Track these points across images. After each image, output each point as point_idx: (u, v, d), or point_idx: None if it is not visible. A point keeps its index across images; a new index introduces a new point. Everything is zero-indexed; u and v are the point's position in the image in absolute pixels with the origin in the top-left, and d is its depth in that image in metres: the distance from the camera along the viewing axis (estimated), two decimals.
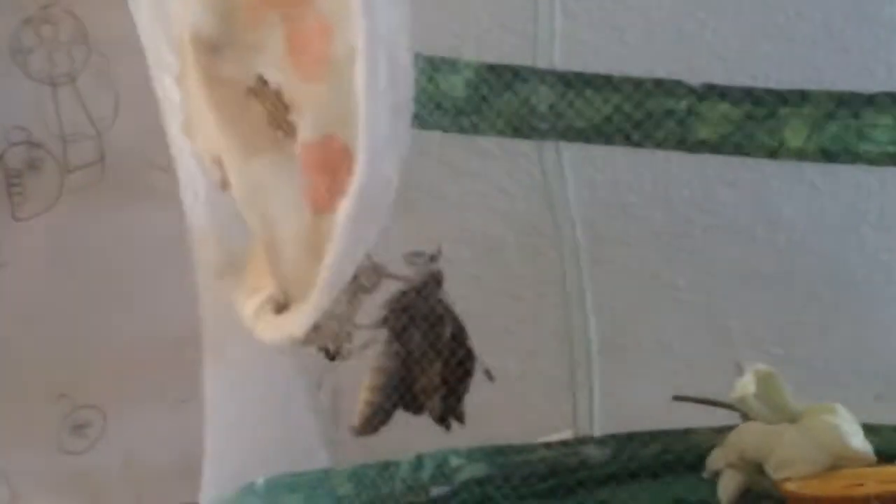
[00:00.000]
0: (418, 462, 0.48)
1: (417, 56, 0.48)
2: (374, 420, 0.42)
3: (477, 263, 0.58)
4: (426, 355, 0.42)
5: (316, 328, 0.37)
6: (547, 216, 0.52)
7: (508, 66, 0.49)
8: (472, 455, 0.48)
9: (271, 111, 0.36)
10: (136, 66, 0.53)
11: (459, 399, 0.43)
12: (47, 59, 0.59)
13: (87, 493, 0.55)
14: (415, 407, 0.42)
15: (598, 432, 0.52)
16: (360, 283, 0.39)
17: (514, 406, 0.55)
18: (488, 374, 0.42)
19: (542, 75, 0.49)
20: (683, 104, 0.48)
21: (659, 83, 0.48)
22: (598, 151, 0.54)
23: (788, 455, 0.40)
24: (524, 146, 0.54)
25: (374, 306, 0.42)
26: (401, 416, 0.46)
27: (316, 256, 0.34)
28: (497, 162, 0.57)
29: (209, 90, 0.37)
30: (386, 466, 0.48)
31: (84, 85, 0.60)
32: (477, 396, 0.48)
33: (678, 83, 0.47)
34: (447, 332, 0.43)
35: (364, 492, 0.47)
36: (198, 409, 0.50)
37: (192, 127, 0.40)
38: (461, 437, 0.50)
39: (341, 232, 0.32)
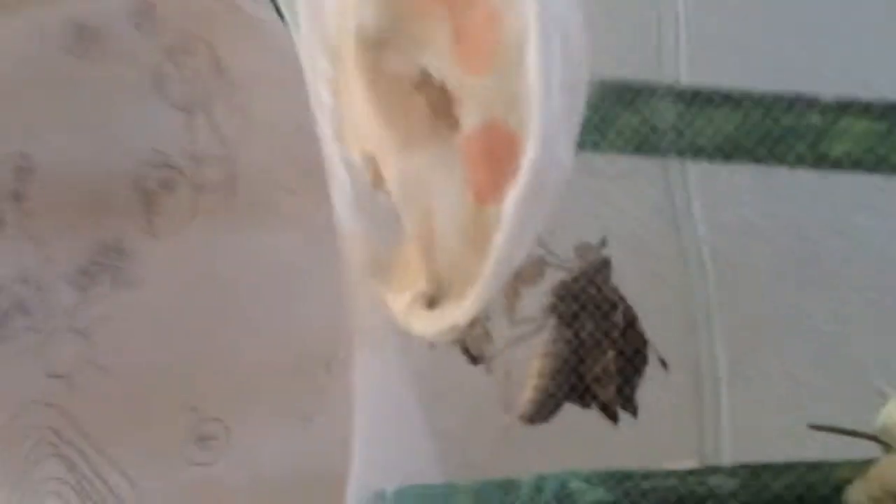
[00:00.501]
0: (539, 483, 0.47)
1: None
2: (545, 407, 0.41)
3: None
4: (599, 343, 0.41)
5: (472, 321, 0.37)
6: (667, 239, 0.51)
7: (629, 82, 0.48)
8: (592, 479, 0.47)
9: (434, 105, 0.37)
10: (265, 93, 0.55)
11: (633, 388, 0.41)
12: (185, 86, 0.62)
13: (213, 502, 0.56)
14: (585, 397, 0.41)
15: (723, 462, 0.50)
16: (521, 276, 0.39)
17: (637, 433, 0.53)
18: (663, 363, 0.41)
19: (664, 92, 0.48)
20: (815, 120, 0.46)
21: (786, 98, 0.46)
22: (723, 172, 0.52)
23: None
24: (643, 166, 0.53)
25: (532, 299, 0.42)
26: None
27: (478, 248, 0.34)
28: (615, 183, 0.56)
29: (371, 87, 0.38)
30: (507, 484, 0.47)
31: (217, 111, 0.62)
32: (600, 425, 0.47)
33: (807, 98, 0.46)
34: (620, 318, 0.41)
35: None
36: (321, 427, 0.50)
37: (343, 129, 0.40)
38: (581, 461, 0.49)
39: (511, 217, 0.32)
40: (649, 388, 0.54)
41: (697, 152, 0.47)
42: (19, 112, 0.61)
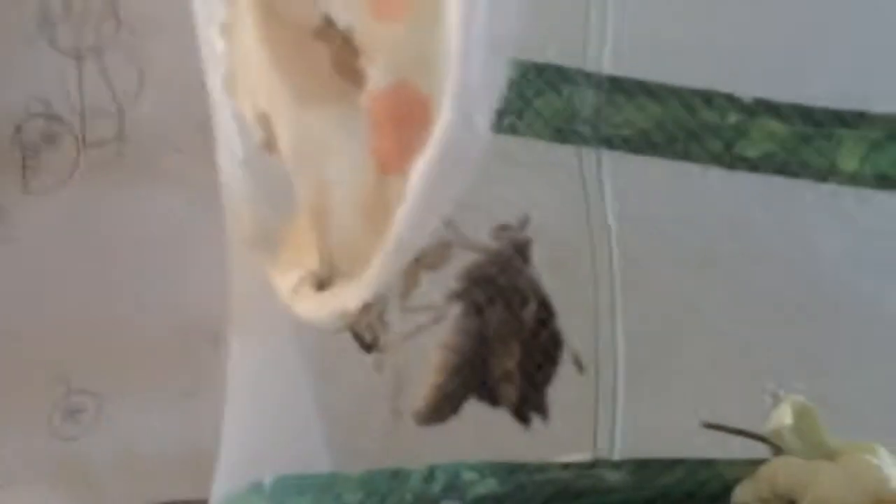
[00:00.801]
0: (430, 473, 0.46)
1: None
2: (444, 406, 0.36)
3: None
4: (506, 336, 0.36)
5: (365, 307, 0.33)
6: (579, 232, 0.49)
7: (553, 66, 0.47)
8: (485, 470, 0.45)
9: (337, 56, 0.32)
10: (163, 44, 0.51)
11: (539, 389, 0.37)
12: (75, 30, 0.57)
13: (80, 480, 0.52)
14: (490, 396, 0.38)
15: (618, 456, 0.49)
16: (423, 259, 0.35)
17: (533, 424, 0.52)
18: (577, 364, 0.37)
19: (588, 77, 0.46)
20: (732, 118, 0.45)
21: (707, 95, 0.45)
22: (633, 164, 0.51)
23: (826, 493, 0.37)
24: (560, 155, 0.51)
25: (439, 280, 0.38)
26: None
27: (376, 224, 0.29)
28: (531, 172, 0.54)
29: (266, 33, 0.33)
30: (396, 475, 0.45)
31: (110, 60, 0.57)
32: (495, 414, 0.45)
33: (728, 96, 0.45)
34: (531, 311, 0.37)
35: (372, 499, 0.44)
36: (201, 405, 0.47)
37: (235, 81, 0.36)
38: (475, 452, 0.47)
39: (417, 189, 0.27)
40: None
41: (614, 143, 0.46)
42: None
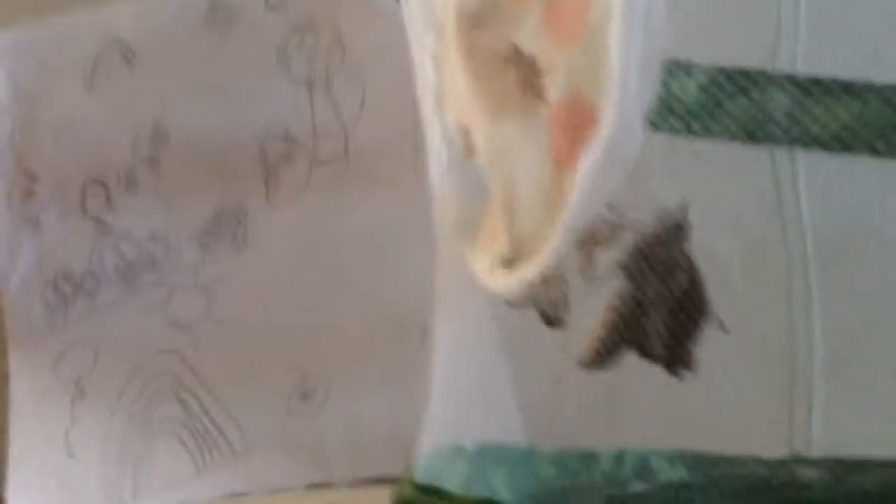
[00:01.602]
0: (619, 457, 0.44)
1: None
2: (602, 356, 0.40)
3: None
4: (656, 301, 0.38)
5: (545, 282, 0.36)
6: (775, 230, 0.47)
7: (743, 70, 0.44)
8: (674, 458, 0.43)
9: (523, 77, 0.36)
10: (380, 71, 0.53)
11: (685, 346, 0.39)
12: (307, 63, 0.60)
13: (310, 453, 0.55)
14: (644, 351, 0.40)
15: (814, 454, 0.46)
16: (595, 237, 0.38)
17: (731, 419, 0.49)
18: (721, 326, 0.39)
19: (779, 80, 0.44)
20: None
21: None
22: (842, 164, 0.47)
23: None
24: (755, 155, 0.48)
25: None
26: None
27: (554, 212, 0.34)
28: (725, 171, 0.52)
29: (468, 61, 0.38)
30: (588, 455, 0.44)
31: (336, 87, 0.60)
32: (694, 405, 0.43)
33: None
34: (681, 281, 0.39)
35: (565, 477, 0.44)
36: (415, 394, 0.48)
37: (443, 102, 0.40)
38: (666, 440, 0.45)
39: (584, 182, 0.31)
40: (746, 377, 0.50)
41: (811, 142, 0.43)
42: (159, 82, 0.60)
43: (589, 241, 0.38)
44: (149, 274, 0.56)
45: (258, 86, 0.58)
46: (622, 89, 0.32)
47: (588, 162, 0.32)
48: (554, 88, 0.35)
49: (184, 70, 0.58)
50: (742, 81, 0.44)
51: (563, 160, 0.35)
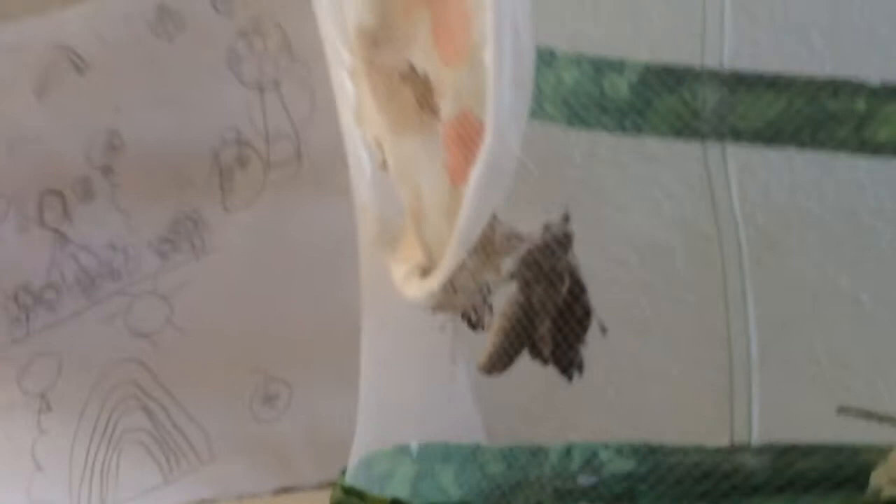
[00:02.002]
0: (567, 451, 0.45)
1: (581, 58, 0.44)
2: (499, 361, 0.42)
3: (643, 267, 0.54)
4: (544, 307, 0.40)
5: (455, 289, 0.37)
6: (709, 223, 0.48)
7: (671, 67, 0.45)
8: (622, 450, 0.45)
9: (419, 95, 0.38)
10: (329, 72, 0.53)
11: (572, 348, 0.42)
12: (257, 67, 0.60)
13: (275, 457, 0.56)
14: (535, 354, 0.42)
15: (755, 441, 0.47)
16: (494, 247, 0.39)
17: (672, 409, 0.50)
18: (602, 329, 0.42)
19: (706, 76, 0.44)
20: (860, 105, 0.42)
21: (831, 83, 0.42)
22: (775, 156, 0.48)
23: None
24: (694, 150, 0.49)
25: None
26: None
27: (453, 224, 0.35)
28: (666, 165, 0.52)
29: (369, 78, 0.39)
30: (537, 450, 0.45)
31: (286, 90, 0.61)
32: (636, 397, 0.45)
33: (852, 83, 0.41)
34: (565, 288, 0.41)
35: (513, 472, 0.45)
36: None
37: (361, 115, 0.41)
38: (614, 433, 0.46)
39: (470, 195, 0.33)
40: (686, 366, 0.51)
41: (739, 136, 0.44)
42: (110, 91, 0.60)
43: (489, 250, 0.39)
44: (109, 283, 0.56)
45: (209, 91, 0.58)
46: (497, 107, 0.33)
47: (472, 176, 0.34)
48: (445, 107, 0.37)
49: (135, 77, 0.58)
50: (671, 79, 0.45)
51: (456, 175, 0.36)
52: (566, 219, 0.40)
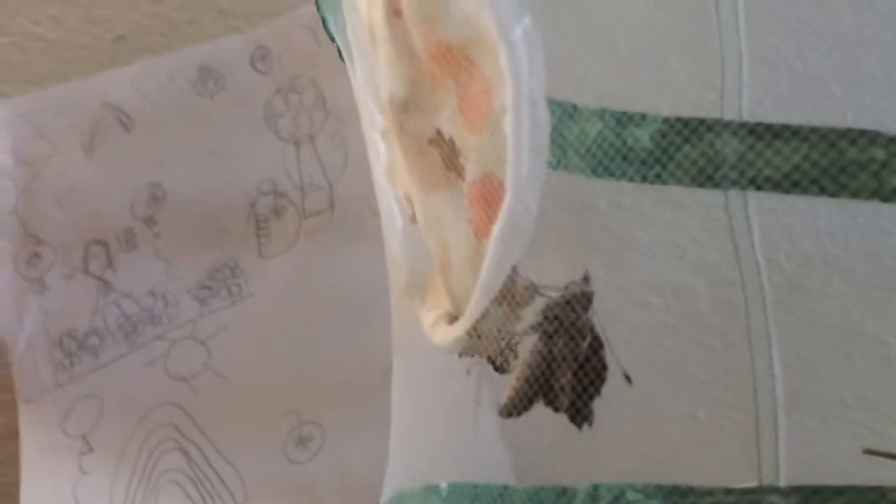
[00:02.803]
0: (594, 491, 0.46)
1: (604, 111, 0.46)
2: (518, 405, 0.43)
3: (668, 312, 0.55)
4: (565, 359, 0.42)
5: (480, 336, 0.39)
6: (732, 269, 0.49)
7: (694, 118, 0.46)
8: (649, 491, 0.45)
9: (446, 157, 0.40)
10: (362, 129, 0.56)
11: (586, 402, 0.43)
12: (293, 122, 0.63)
13: (307, 498, 0.57)
14: (551, 403, 0.44)
15: (783, 483, 0.47)
16: (515, 298, 0.41)
17: (699, 452, 0.51)
18: (627, 378, 0.43)
19: (729, 126, 0.46)
20: (880, 153, 0.43)
21: (849, 132, 0.43)
22: (797, 201, 0.49)
23: None
24: (716, 196, 0.50)
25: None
26: None
27: (477, 276, 0.38)
28: (689, 212, 0.54)
29: (400, 141, 0.42)
30: (563, 492, 0.45)
31: (321, 144, 0.63)
32: (662, 440, 0.45)
33: (871, 133, 0.43)
34: (585, 343, 0.43)
35: None
36: None
37: (393, 172, 0.43)
38: (642, 475, 0.47)
39: (492, 249, 0.35)
40: (712, 410, 0.52)
41: (763, 183, 0.45)
42: (154, 146, 0.63)
43: (511, 300, 0.41)
44: (149, 329, 0.59)
45: (247, 145, 0.60)
46: (516, 170, 0.36)
47: (494, 233, 0.36)
48: (470, 168, 0.39)
49: (177, 133, 0.61)
50: (690, 130, 0.47)
51: (480, 230, 0.39)
52: (586, 279, 0.42)
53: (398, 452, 0.46)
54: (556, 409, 0.45)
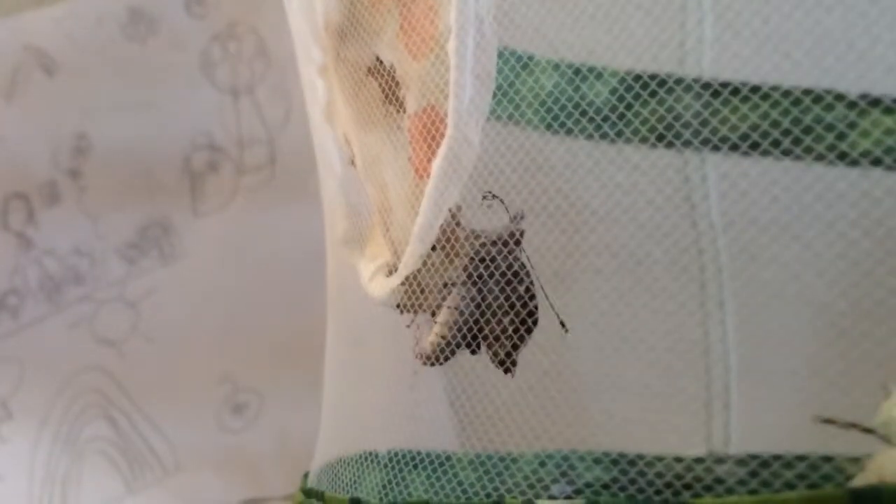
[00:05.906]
0: (541, 459, 0.45)
1: (561, 63, 0.45)
2: (443, 352, 0.41)
3: (622, 276, 0.54)
4: (501, 306, 0.40)
5: (422, 290, 0.37)
6: (688, 232, 0.48)
7: (652, 74, 0.45)
8: (597, 459, 0.45)
9: (385, 88, 0.37)
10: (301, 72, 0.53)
11: (516, 349, 0.42)
12: (231, 71, 0.60)
13: (243, 468, 0.55)
14: (475, 348, 0.43)
15: (732, 451, 0.47)
16: (456, 249, 0.39)
17: (649, 420, 0.50)
18: (563, 325, 0.41)
19: (687, 84, 0.45)
20: (841, 115, 0.42)
21: (810, 93, 0.42)
22: (755, 166, 0.49)
23: None
24: (674, 159, 0.50)
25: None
26: None
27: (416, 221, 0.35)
28: (645, 175, 0.53)
29: (337, 72, 0.39)
30: (509, 459, 0.45)
31: (261, 95, 0.61)
32: (613, 407, 0.45)
33: (833, 94, 0.42)
34: (522, 288, 0.41)
35: (486, 481, 0.45)
36: None
37: (331, 112, 0.41)
38: (592, 444, 0.46)
39: (430, 187, 0.33)
40: (663, 377, 0.52)
41: (721, 144, 0.44)
42: (80, 93, 0.60)
43: (452, 249, 0.39)
44: (73, 289, 0.56)
45: (181, 95, 0.58)
46: (457, 102, 0.33)
47: (433, 170, 0.34)
48: (411, 100, 0.36)
49: (105, 80, 0.58)
50: (651, 85, 0.45)
51: (421, 170, 0.36)
52: (519, 217, 0.40)
53: (332, 417, 0.44)
54: (474, 353, 0.44)
